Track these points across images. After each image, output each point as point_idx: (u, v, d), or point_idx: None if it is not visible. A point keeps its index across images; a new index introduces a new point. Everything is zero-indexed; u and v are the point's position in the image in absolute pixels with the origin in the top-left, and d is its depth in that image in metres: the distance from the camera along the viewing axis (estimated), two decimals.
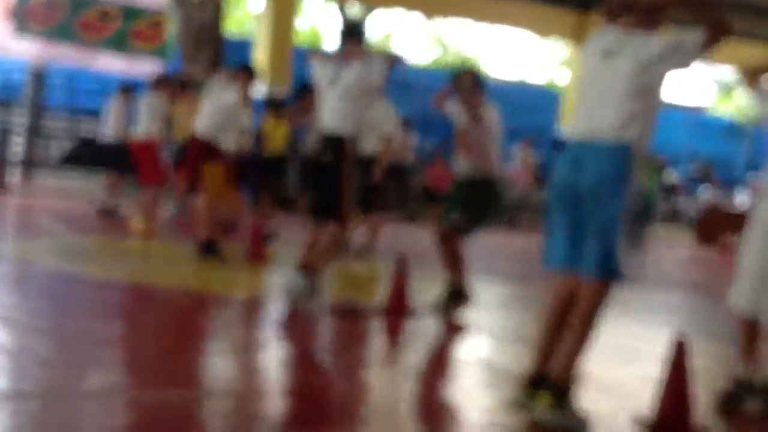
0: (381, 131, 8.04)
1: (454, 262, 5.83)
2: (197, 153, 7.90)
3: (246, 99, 8.02)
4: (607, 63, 3.40)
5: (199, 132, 7.85)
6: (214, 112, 7.80)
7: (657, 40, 3.32)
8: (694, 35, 3.28)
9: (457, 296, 5.82)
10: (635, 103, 3.34)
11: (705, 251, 15.78)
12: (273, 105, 10.24)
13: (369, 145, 7.71)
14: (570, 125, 3.57)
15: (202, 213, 7.75)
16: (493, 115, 5.77)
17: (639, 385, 4.31)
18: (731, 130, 26.72)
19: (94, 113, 16.84)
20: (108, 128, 11.70)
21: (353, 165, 5.51)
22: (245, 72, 7.97)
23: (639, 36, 3.37)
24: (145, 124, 9.74)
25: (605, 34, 3.49)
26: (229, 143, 8.07)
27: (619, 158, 3.31)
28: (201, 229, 7.67)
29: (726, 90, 30.68)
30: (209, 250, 7.53)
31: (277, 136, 10.17)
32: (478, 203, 5.76)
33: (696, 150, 23.99)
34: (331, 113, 5.56)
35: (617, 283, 3.39)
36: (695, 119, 26.79)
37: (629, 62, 3.34)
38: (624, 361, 5.06)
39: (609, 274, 3.34)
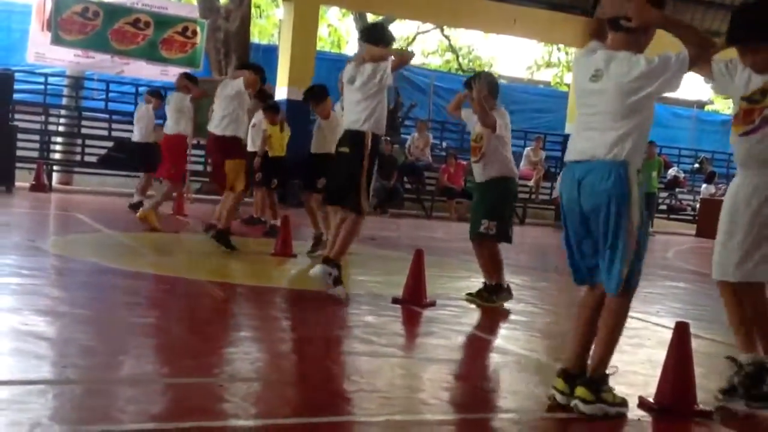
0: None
1: (492, 263, 5.92)
2: (216, 151, 7.94)
3: (251, 91, 8.11)
4: (595, 84, 3.33)
5: (213, 129, 7.89)
6: (224, 105, 7.84)
7: (642, 60, 3.23)
8: (679, 55, 3.20)
9: (498, 289, 5.90)
10: (625, 122, 3.27)
11: (706, 243, 15.68)
12: (269, 108, 10.23)
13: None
14: (568, 147, 3.52)
15: (228, 204, 7.80)
16: (505, 118, 5.78)
17: (644, 370, 4.30)
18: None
19: (130, 116, 16.99)
20: (136, 130, 11.79)
21: (372, 159, 5.56)
22: (250, 68, 8.07)
23: (624, 56, 3.27)
24: (171, 123, 9.81)
25: (591, 54, 3.40)
26: (243, 131, 8.13)
27: (616, 176, 3.26)
28: (222, 218, 7.74)
29: None
30: (222, 238, 7.58)
31: (276, 138, 10.21)
32: (499, 205, 5.82)
33: (697, 145, 23.84)
34: (350, 110, 5.66)
35: (633, 292, 3.39)
36: (696, 115, 26.58)
37: (614, 84, 3.27)
38: (630, 346, 5.04)
39: (626, 287, 3.33)
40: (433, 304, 5.66)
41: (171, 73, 16.09)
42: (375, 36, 5.76)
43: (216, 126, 7.86)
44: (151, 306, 5.32)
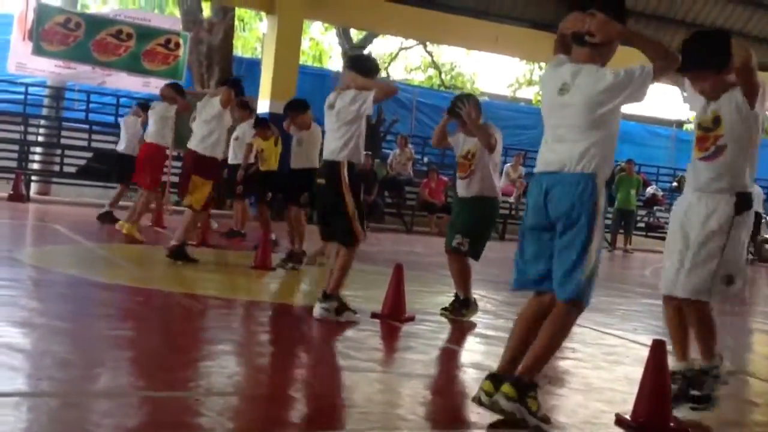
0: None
1: (460, 277, 6.00)
2: (190, 166, 7.90)
3: (232, 108, 8.15)
4: (562, 97, 3.38)
5: (193, 146, 7.85)
6: (204, 126, 7.82)
7: (608, 73, 3.28)
8: (643, 68, 3.24)
9: (466, 304, 5.97)
10: (592, 134, 3.32)
11: None
12: (260, 124, 10.22)
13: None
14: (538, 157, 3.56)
15: (185, 220, 7.75)
16: (497, 135, 5.84)
17: (622, 387, 4.31)
18: None
19: (110, 127, 16.89)
20: (122, 141, 11.75)
21: (353, 188, 5.50)
22: (227, 83, 8.11)
23: (590, 69, 3.32)
24: (153, 131, 9.79)
25: (559, 67, 3.44)
26: (221, 152, 8.16)
27: (584, 187, 3.30)
28: (178, 234, 7.65)
29: None
30: (179, 255, 7.53)
31: (270, 152, 10.20)
32: (478, 224, 5.86)
33: (676, 164, 24.03)
34: (329, 138, 5.62)
35: (585, 305, 3.39)
36: (675, 134, 26.83)
37: (581, 97, 3.31)
38: (608, 363, 5.07)
39: (578, 297, 3.34)
40: (412, 318, 5.66)
41: (153, 85, 16.04)
42: (361, 66, 5.69)
43: (196, 144, 7.83)
44: (128, 318, 5.28)
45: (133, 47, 14.94)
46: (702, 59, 3.60)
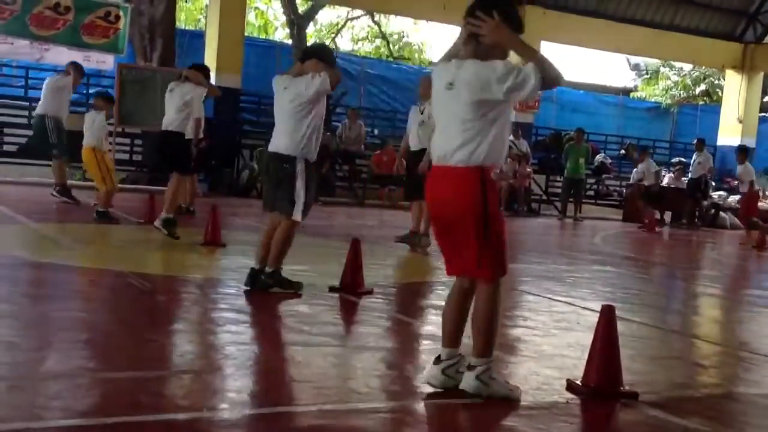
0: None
1: None
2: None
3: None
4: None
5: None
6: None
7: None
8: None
9: None
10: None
11: (632, 227, 16.08)
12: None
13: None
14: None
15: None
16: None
17: (573, 353, 4.40)
18: (656, 112, 27.23)
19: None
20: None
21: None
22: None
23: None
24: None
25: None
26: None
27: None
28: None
29: (652, 74, 31.19)
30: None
31: None
32: None
33: (623, 131, 24.38)
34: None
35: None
36: (623, 102, 27.19)
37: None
38: (559, 330, 5.16)
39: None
40: (370, 292, 5.67)
41: (93, 59, 15.70)
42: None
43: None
44: (76, 299, 5.20)
45: (71, 20, 14.57)
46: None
